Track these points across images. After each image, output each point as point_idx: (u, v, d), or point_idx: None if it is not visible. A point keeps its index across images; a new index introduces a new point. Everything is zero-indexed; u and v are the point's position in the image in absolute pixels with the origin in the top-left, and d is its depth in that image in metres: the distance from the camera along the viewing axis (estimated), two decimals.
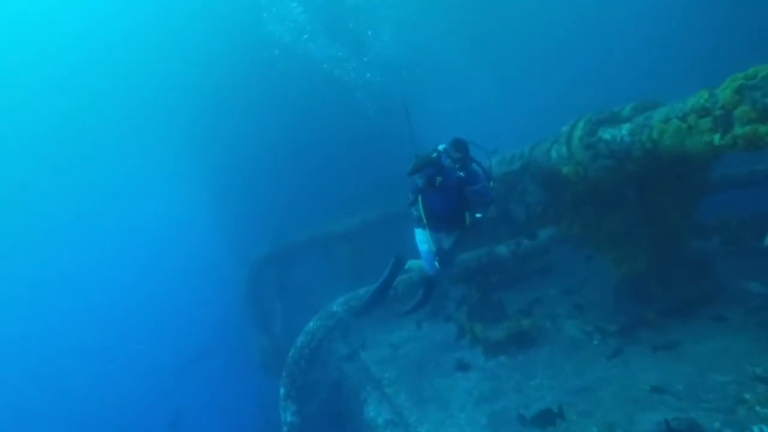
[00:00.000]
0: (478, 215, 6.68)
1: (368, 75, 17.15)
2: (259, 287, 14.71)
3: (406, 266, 8.08)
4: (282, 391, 8.19)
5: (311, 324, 8.68)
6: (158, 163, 27.79)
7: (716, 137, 4.93)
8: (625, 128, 6.14)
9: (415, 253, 7.68)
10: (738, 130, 4.66)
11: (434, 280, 7.70)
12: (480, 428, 6.63)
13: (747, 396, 5.74)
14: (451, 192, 6.55)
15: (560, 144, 7.19)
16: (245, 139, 17.45)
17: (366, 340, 11.35)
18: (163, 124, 22.49)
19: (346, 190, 15.95)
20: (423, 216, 6.74)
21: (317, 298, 12.52)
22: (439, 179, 6.48)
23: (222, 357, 21.90)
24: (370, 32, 17.06)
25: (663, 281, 8.25)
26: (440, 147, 6.63)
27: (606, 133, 6.43)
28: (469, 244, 8.43)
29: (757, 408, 5.51)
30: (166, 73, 19.89)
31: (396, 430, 7.04)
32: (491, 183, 6.75)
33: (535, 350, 8.65)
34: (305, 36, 16.62)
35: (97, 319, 33.29)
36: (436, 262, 6.97)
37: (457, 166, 6.38)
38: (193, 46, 18.34)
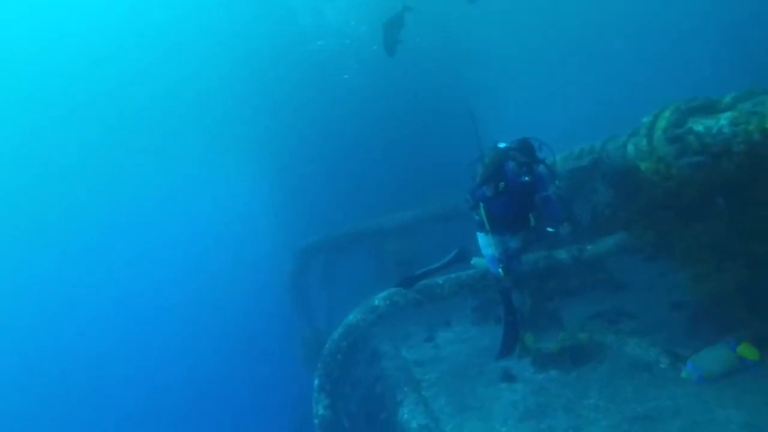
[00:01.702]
0: (549, 229, 6.29)
1: (424, 67, 16.55)
2: (305, 278, 14.50)
3: (471, 262, 7.58)
4: (316, 383, 7.85)
5: (351, 317, 8.27)
6: (217, 154, 28.40)
7: None
8: (724, 117, 5.23)
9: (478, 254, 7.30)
10: None
11: (508, 290, 7.39)
12: None
13: None
14: (514, 196, 6.16)
15: (639, 137, 6.35)
16: (302, 130, 17.32)
17: (409, 337, 10.84)
18: (222, 117, 22.88)
19: (400, 184, 15.50)
20: (485, 221, 6.32)
21: (364, 292, 12.15)
22: (502, 185, 6.06)
23: (265, 347, 22.10)
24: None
25: (753, 306, 7.20)
26: (500, 145, 6.20)
27: (698, 125, 5.54)
28: (536, 248, 7.79)
29: None
30: (225, 67, 20.13)
31: None
32: (557, 182, 6.30)
33: (591, 367, 7.83)
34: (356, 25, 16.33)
35: (150, 307, 34.54)
36: (501, 269, 6.56)
37: (522, 169, 5.94)
38: (252, 40, 18.42)
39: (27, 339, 31.02)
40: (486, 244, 6.74)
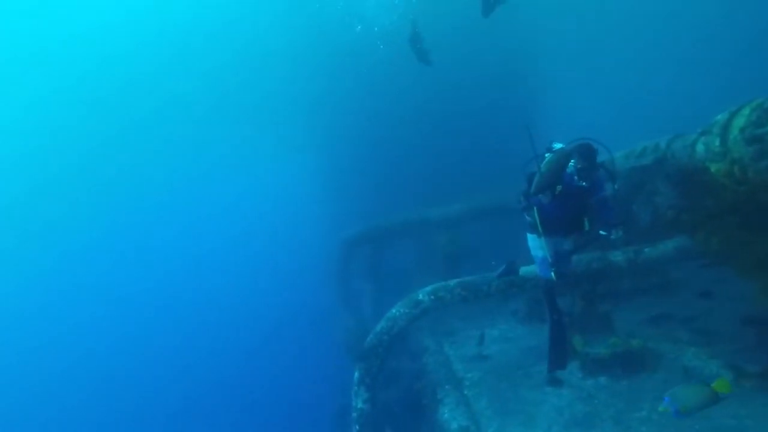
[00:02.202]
0: (602, 232, 5.97)
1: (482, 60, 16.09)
2: (350, 267, 14.48)
3: (520, 273, 7.38)
4: (356, 375, 7.79)
5: (394, 310, 8.15)
6: (267, 142, 28.71)
7: None
8: None
9: (524, 253, 7.02)
10: None
11: (553, 292, 7.16)
12: None
13: None
14: (569, 200, 5.93)
15: (712, 136, 5.87)
16: (353, 119, 17.23)
17: (453, 333, 10.64)
18: (272, 105, 23.06)
19: (451, 176, 15.19)
20: (538, 223, 6.13)
21: (410, 284, 12.03)
22: (558, 188, 5.78)
23: (306, 336, 22.25)
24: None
25: None
26: (555, 146, 5.96)
27: None
28: (588, 251, 7.47)
29: None
30: (277, 49, 20.21)
31: None
32: (615, 186, 5.96)
33: (644, 377, 7.44)
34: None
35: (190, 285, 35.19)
36: (553, 273, 6.33)
37: (581, 174, 5.73)
38: (297, 27, 18.41)
39: (67, 323, 31.86)
40: (537, 246, 6.53)
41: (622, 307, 9.51)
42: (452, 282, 8.37)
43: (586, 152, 5.70)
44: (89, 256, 37.68)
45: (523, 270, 7.30)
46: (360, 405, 7.54)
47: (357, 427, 7.53)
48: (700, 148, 6.25)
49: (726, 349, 7.53)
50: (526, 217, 6.34)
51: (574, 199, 5.90)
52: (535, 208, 6.11)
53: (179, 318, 29.96)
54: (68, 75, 30.02)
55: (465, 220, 13.96)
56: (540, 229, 6.14)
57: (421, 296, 8.21)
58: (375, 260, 14.83)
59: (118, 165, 35.07)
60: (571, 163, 5.80)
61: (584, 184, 5.73)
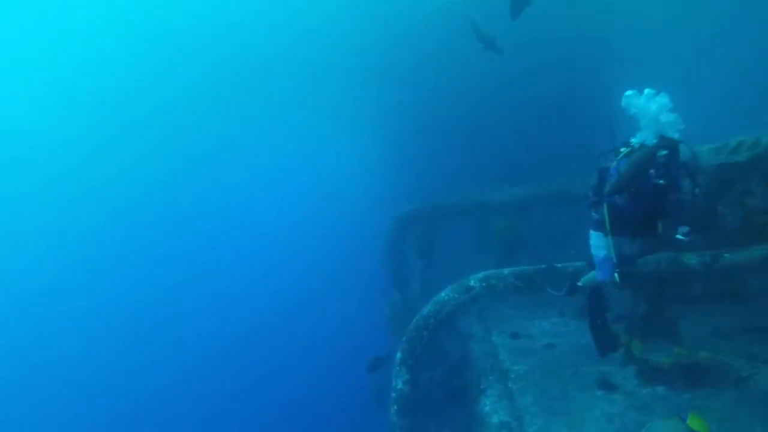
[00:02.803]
0: (679, 236, 5.55)
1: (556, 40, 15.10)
2: (402, 243, 14.27)
3: (580, 283, 7.07)
4: (399, 356, 7.63)
5: (443, 294, 7.88)
6: (328, 116, 28.59)
7: None
8: None
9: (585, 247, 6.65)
10: None
11: (601, 294, 7.01)
12: None
13: None
14: (644, 199, 5.53)
15: None
16: (418, 94, 16.73)
17: (503, 321, 10.25)
18: (335, 78, 22.80)
19: (515, 159, 14.54)
20: (606, 221, 5.76)
21: (462, 266, 11.70)
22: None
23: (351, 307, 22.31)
24: None
25: None
26: (633, 141, 5.57)
27: None
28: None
29: None
30: (351, 24, 19.84)
31: None
32: (697, 190, 5.55)
33: (710, 393, 6.82)
34: None
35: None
36: (616, 275, 6.00)
37: (660, 171, 5.26)
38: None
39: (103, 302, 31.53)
40: (600, 245, 6.14)
41: (690, 313, 8.79)
42: (506, 270, 8.00)
43: (668, 148, 5.25)
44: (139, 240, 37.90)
45: (584, 280, 6.90)
46: (400, 386, 7.39)
47: (395, 408, 7.41)
48: None
49: None
50: (593, 213, 5.96)
51: (649, 199, 5.46)
52: (605, 204, 5.71)
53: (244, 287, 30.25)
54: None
55: (526, 206, 13.36)
56: (608, 227, 5.76)
57: (472, 282, 7.89)
58: (428, 239, 14.54)
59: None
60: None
61: (662, 182, 5.25)
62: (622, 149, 5.63)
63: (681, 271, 7.99)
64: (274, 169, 38.00)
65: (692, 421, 4.77)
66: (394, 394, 7.40)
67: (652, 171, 5.30)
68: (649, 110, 5.43)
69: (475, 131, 15.21)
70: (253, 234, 36.18)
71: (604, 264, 6.24)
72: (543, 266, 7.15)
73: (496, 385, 7.26)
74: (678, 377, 7.09)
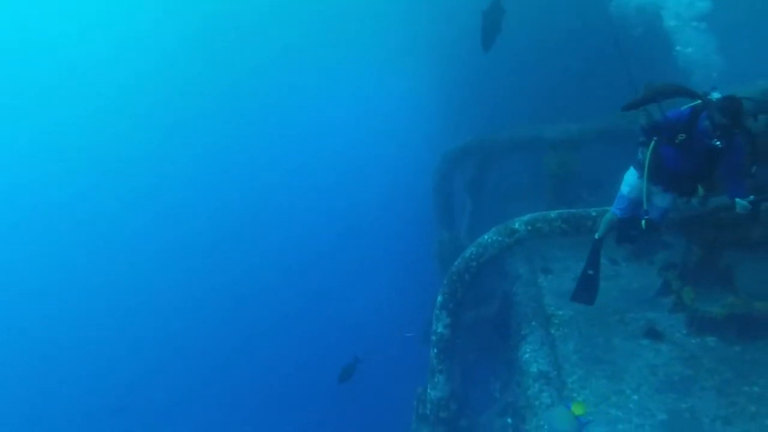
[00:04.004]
0: (743, 203, 5.14)
1: None
2: (451, 180, 13.99)
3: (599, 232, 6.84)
4: (439, 299, 7.67)
5: (486, 237, 7.75)
6: (373, 45, 27.40)
7: None
8: None
9: None
10: None
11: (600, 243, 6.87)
12: (653, 426, 5.30)
13: None
14: (692, 156, 5.22)
15: None
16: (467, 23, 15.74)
17: (551, 262, 10.08)
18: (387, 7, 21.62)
19: (569, 94, 13.68)
20: (646, 165, 5.55)
21: (514, 205, 11.41)
22: (682, 137, 5.06)
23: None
24: None
25: None
26: (714, 95, 5.00)
27: None
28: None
29: None
30: None
31: (547, 388, 6.05)
32: (754, 168, 5.10)
33: (763, 346, 6.60)
34: None
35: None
36: (643, 222, 5.75)
37: (717, 132, 4.79)
38: None
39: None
40: (631, 183, 6.00)
41: (749, 260, 8.35)
42: (553, 213, 7.74)
43: (727, 108, 4.70)
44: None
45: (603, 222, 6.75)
46: (440, 330, 7.50)
47: (435, 351, 7.57)
48: None
49: None
50: (639, 153, 5.76)
51: (699, 158, 5.13)
52: (651, 147, 5.47)
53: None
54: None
55: (582, 142, 12.69)
56: (646, 172, 5.55)
57: (517, 225, 7.70)
58: (478, 177, 14.20)
59: None
60: (708, 122, 4.91)
61: (718, 143, 4.79)
62: (697, 100, 5.15)
63: (739, 216, 7.51)
64: (319, 108, 37.48)
65: (575, 408, 5.00)
66: (434, 338, 7.53)
67: (710, 132, 4.88)
68: None
69: (526, 65, 14.36)
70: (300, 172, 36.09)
71: (622, 201, 6.16)
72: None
73: (538, 332, 7.26)
74: (730, 328, 6.87)
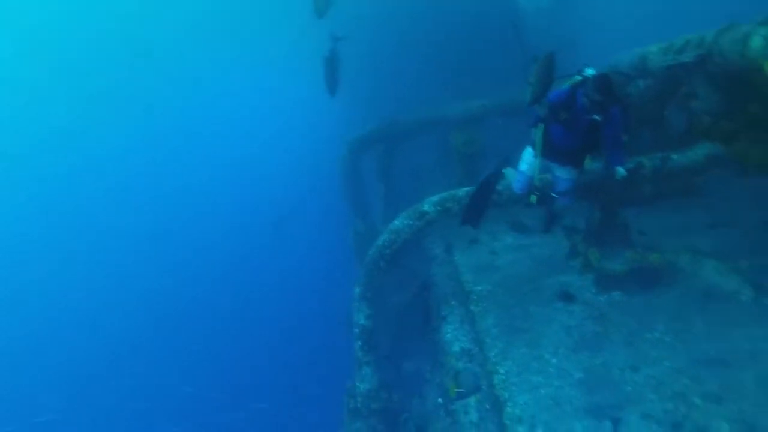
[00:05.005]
0: (620, 171, 5.69)
1: None
2: (359, 168, 13.88)
3: (504, 170, 7.06)
4: (357, 291, 7.58)
5: (397, 222, 7.74)
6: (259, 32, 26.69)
7: None
8: None
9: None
10: None
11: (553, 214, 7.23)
12: (571, 385, 5.53)
13: None
14: (577, 132, 5.61)
15: None
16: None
17: (465, 237, 10.25)
18: None
19: (474, 69, 13.95)
20: (538, 143, 5.90)
21: (426, 186, 11.51)
22: (564, 115, 5.43)
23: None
24: None
25: None
26: (588, 71, 5.45)
27: None
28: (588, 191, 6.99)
29: None
30: None
31: (471, 364, 6.15)
32: (626, 138, 5.74)
33: (660, 292, 7.10)
34: None
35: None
36: (533, 197, 6.21)
37: (594, 107, 5.25)
38: None
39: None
40: (527, 161, 6.32)
41: (641, 215, 8.97)
42: (461, 191, 7.87)
43: (602, 85, 5.14)
44: None
45: (508, 171, 6.98)
46: (362, 321, 7.42)
47: (359, 344, 7.48)
48: (756, 42, 5.28)
49: (749, 264, 7.08)
50: (531, 133, 6.02)
51: (581, 132, 5.50)
52: (541, 126, 5.76)
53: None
54: None
55: (485, 117, 13.00)
56: (539, 149, 5.89)
57: (426, 207, 7.76)
58: (386, 162, 14.17)
59: None
60: (585, 99, 5.31)
61: (597, 117, 5.26)
62: (577, 77, 5.50)
63: (633, 175, 8.01)
64: (221, 105, 36.22)
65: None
66: (356, 330, 7.44)
67: (588, 108, 5.28)
68: None
69: (426, 42, 14.47)
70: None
71: (520, 178, 6.47)
72: (493, 171, 7.04)
73: (458, 311, 7.38)
74: (632, 282, 7.32)
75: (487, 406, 5.61)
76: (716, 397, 4.97)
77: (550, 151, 5.92)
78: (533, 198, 6.25)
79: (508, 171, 6.98)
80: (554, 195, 6.38)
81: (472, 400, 5.75)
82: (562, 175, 6.23)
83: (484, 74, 13.24)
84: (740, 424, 4.56)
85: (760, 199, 8.52)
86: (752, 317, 6.16)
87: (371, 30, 15.29)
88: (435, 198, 7.97)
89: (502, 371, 5.88)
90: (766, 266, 6.90)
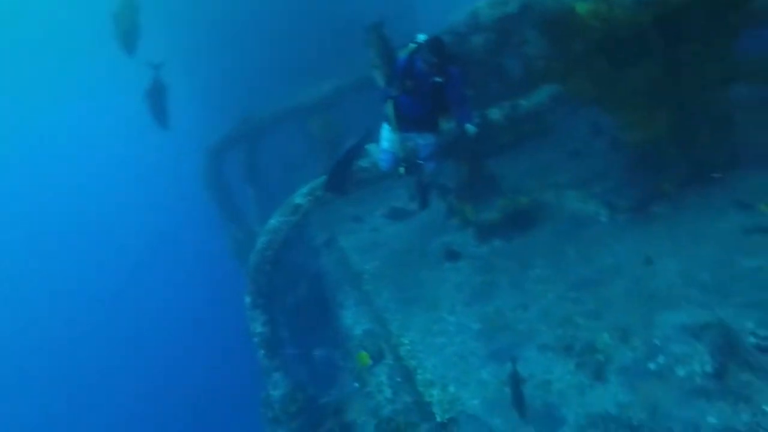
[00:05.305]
0: (469, 129, 5.75)
1: None
2: (222, 172, 13.18)
3: (368, 146, 7.00)
4: (247, 300, 7.20)
5: (272, 221, 7.44)
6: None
7: None
8: None
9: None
10: None
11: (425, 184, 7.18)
12: (472, 338, 5.69)
13: None
14: (423, 98, 5.73)
15: None
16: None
17: (346, 221, 10.17)
18: None
19: (317, 53, 13.73)
20: (392, 118, 5.91)
21: (296, 179, 11.20)
22: (409, 84, 5.56)
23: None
24: None
25: (683, 145, 6.91)
26: (421, 37, 5.56)
27: None
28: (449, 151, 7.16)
29: None
30: None
31: (377, 342, 6.11)
32: (470, 93, 6.08)
33: (534, 231, 7.55)
34: None
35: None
36: (402, 169, 6.27)
37: (433, 70, 5.41)
38: None
39: None
40: (387, 138, 6.32)
41: (505, 162, 9.46)
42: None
43: (435, 47, 5.32)
44: None
45: (371, 146, 6.95)
46: (260, 329, 7.08)
47: (263, 352, 7.15)
48: None
49: (602, 188, 7.77)
50: (384, 109, 5.98)
51: (428, 97, 5.61)
52: (390, 101, 5.79)
53: None
54: None
55: (340, 98, 12.88)
56: (394, 124, 5.91)
57: (298, 200, 7.54)
58: (251, 161, 13.59)
59: None
60: (422, 63, 5.43)
61: (438, 79, 5.41)
62: (411, 45, 5.57)
63: (488, 127, 8.38)
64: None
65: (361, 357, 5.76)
66: (256, 339, 7.10)
67: (429, 69, 5.38)
68: None
69: (265, 33, 14.00)
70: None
71: (384, 156, 6.46)
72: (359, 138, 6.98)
73: (353, 294, 7.30)
74: (508, 227, 7.71)
75: (399, 379, 5.60)
76: (595, 313, 5.39)
77: (404, 123, 5.95)
78: (401, 170, 6.30)
79: (372, 148, 6.95)
80: (420, 162, 6.44)
81: (383, 378, 5.72)
82: (424, 142, 6.29)
83: (331, 54, 13.07)
84: (617, 332, 4.98)
85: (599, 125, 9.36)
86: (612, 235, 6.76)
87: (207, 35, 14.57)
88: (305, 189, 7.76)
89: (406, 341, 5.91)
90: (614, 187, 7.61)
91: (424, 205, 7.51)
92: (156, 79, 8.90)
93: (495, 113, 8.24)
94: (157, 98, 8.91)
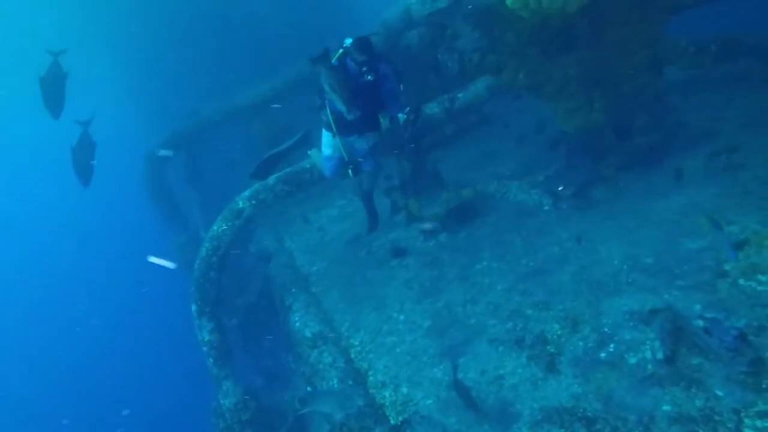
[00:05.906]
0: (400, 115, 5.68)
1: None
2: (164, 178, 12.66)
3: (309, 152, 6.91)
4: (193, 308, 6.94)
5: (215, 227, 7.20)
6: None
7: None
8: None
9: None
10: None
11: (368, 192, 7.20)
12: (423, 336, 5.65)
13: (727, 266, 4.83)
14: (359, 97, 5.58)
15: None
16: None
17: (292, 222, 9.95)
18: None
19: (254, 54, 13.41)
20: (332, 123, 5.80)
21: (240, 182, 10.88)
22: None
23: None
24: None
25: (620, 130, 7.10)
26: (347, 42, 5.56)
27: None
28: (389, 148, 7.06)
29: (741, 281, 4.64)
30: None
31: (326, 346, 5.98)
32: (402, 86, 5.81)
33: (479, 222, 7.59)
34: None
35: None
36: (350, 171, 6.13)
37: (364, 69, 5.41)
38: None
39: None
40: (329, 144, 6.21)
41: (447, 155, 9.49)
42: (271, 179, 7.50)
43: (362, 46, 5.35)
44: None
45: (312, 152, 6.86)
46: (207, 337, 6.82)
47: (212, 360, 6.89)
48: None
49: (544, 176, 7.87)
50: (322, 116, 5.90)
51: (363, 96, 5.51)
52: (327, 107, 5.70)
53: None
54: None
55: (278, 97, 12.58)
56: (334, 129, 5.80)
57: (240, 204, 7.33)
58: (192, 165, 13.13)
59: None
60: (353, 63, 5.44)
61: (370, 78, 5.40)
62: (341, 50, 5.55)
63: (428, 122, 8.35)
64: None
65: None
66: (205, 348, 6.84)
67: (359, 69, 5.37)
68: None
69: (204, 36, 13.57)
70: None
71: (329, 162, 6.36)
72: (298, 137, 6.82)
73: (301, 296, 7.14)
74: (452, 220, 7.71)
75: (351, 382, 5.49)
76: (544, 303, 5.42)
77: (345, 127, 5.84)
78: (350, 172, 6.18)
79: (314, 155, 6.81)
80: (360, 160, 6.32)
81: (335, 381, 5.59)
82: (364, 145, 6.19)
83: (269, 53, 12.78)
84: (567, 322, 5.02)
85: (538, 115, 9.52)
86: (556, 223, 6.86)
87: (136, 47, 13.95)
88: (247, 192, 7.55)
89: (356, 343, 5.82)
90: (555, 175, 7.73)
91: (374, 226, 7.50)
92: (84, 135, 8.32)
93: (433, 107, 8.22)
94: (83, 156, 8.30)
